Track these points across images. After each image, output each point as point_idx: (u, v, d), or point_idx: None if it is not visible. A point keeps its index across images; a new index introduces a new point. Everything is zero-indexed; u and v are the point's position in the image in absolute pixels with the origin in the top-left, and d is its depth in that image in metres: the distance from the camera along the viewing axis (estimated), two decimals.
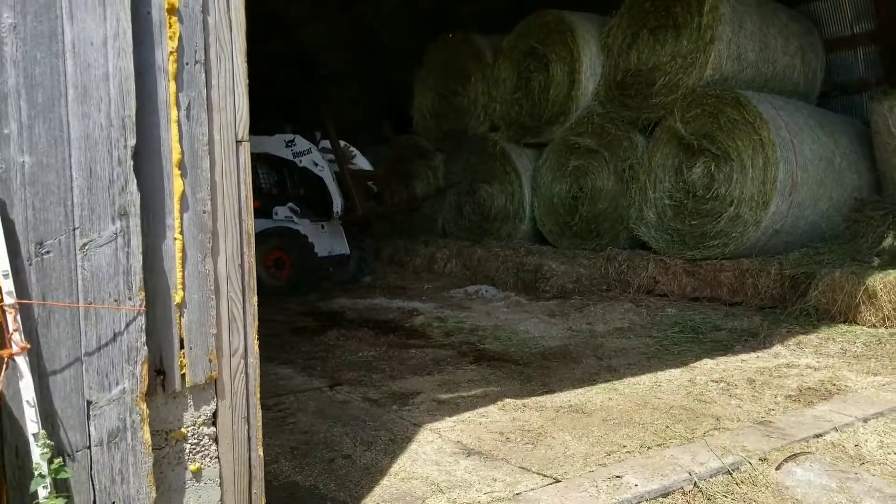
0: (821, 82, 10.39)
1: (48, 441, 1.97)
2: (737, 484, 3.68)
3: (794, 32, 10.00)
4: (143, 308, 2.24)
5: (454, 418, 4.72)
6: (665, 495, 3.52)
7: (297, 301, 9.32)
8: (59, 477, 1.97)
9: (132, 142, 2.21)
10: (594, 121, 10.41)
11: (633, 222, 9.79)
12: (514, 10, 11.87)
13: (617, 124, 10.14)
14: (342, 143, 10.40)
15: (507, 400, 5.02)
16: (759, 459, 3.88)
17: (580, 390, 5.29)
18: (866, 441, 4.21)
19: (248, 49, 2.45)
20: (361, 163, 10.78)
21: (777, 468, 3.82)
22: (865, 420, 4.45)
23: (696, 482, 3.62)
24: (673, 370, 5.82)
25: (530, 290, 9.78)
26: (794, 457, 3.93)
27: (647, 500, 3.46)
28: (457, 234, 12.57)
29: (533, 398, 5.10)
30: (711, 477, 3.68)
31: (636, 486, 3.55)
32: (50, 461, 1.96)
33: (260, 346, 2.58)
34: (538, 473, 3.81)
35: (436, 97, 13.09)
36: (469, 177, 12.35)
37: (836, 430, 4.29)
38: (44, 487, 1.96)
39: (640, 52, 10.04)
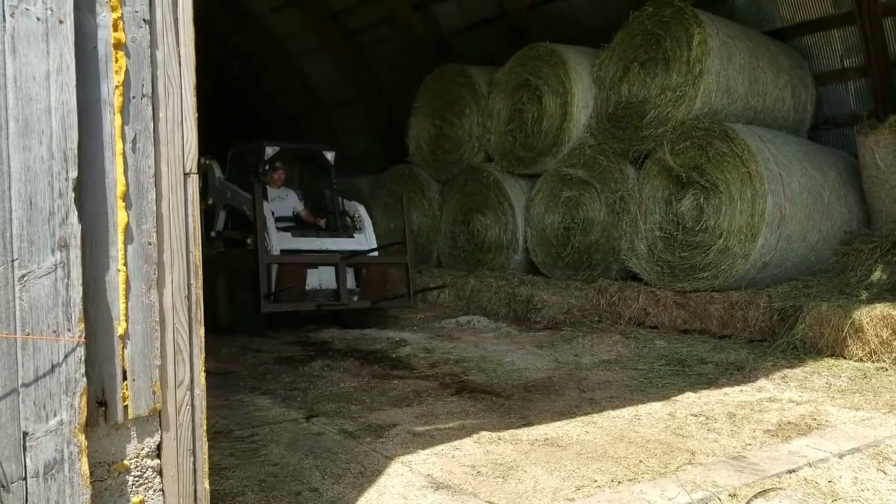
0: (811, 115, 10.44)
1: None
2: None
3: (783, 66, 10.07)
4: (82, 339, 2.25)
5: (427, 451, 4.68)
6: None
7: (288, 330, 9.31)
8: None
9: (74, 174, 2.24)
10: (586, 152, 10.48)
11: (625, 254, 9.80)
12: (508, 44, 12.01)
13: (608, 156, 10.20)
14: (203, 158, 10.20)
15: (483, 433, 4.99)
16: (729, 495, 3.84)
17: (558, 423, 5.25)
18: (840, 477, 4.16)
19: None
20: (217, 172, 10.51)
21: None
22: (841, 456, 4.40)
23: None
24: (654, 403, 5.78)
25: (521, 321, 9.76)
26: (764, 492, 3.88)
27: None
28: (451, 264, 12.60)
29: (510, 431, 5.06)
30: None
31: None
32: None
33: (207, 378, 2.58)
34: None
35: (432, 128, 13.20)
36: (464, 208, 12.45)
37: (811, 466, 4.24)
38: None
39: (630, 85, 10.13)
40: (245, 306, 8.86)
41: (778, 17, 10.57)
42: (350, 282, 9.31)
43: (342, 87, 17.18)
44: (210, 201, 10.31)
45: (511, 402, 5.90)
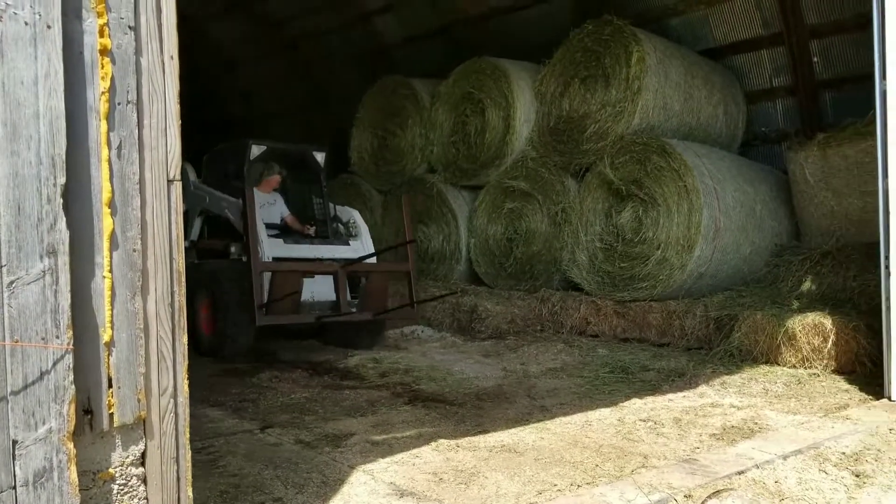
0: (742, 132, 10.88)
1: None
2: None
3: (716, 84, 10.48)
4: (70, 347, 2.21)
5: (388, 459, 4.71)
6: None
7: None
8: None
9: (62, 180, 2.21)
10: (528, 165, 10.67)
11: (566, 264, 10.01)
12: (450, 56, 12.14)
13: (550, 169, 10.41)
14: None
15: (441, 440, 5.04)
16: (684, 496, 3.98)
17: (513, 430, 5.34)
18: (786, 477, 4.36)
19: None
20: (192, 175, 9.78)
21: None
22: (785, 457, 4.61)
23: None
24: (603, 409, 5.93)
25: (466, 331, 9.86)
26: (717, 493, 4.04)
27: None
28: None
29: (466, 438, 5.13)
30: None
31: None
32: None
33: (190, 386, 2.56)
34: None
35: (374, 139, 13.22)
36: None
37: (758, 468, 4.43)
38: None
39: (571, 100, 10.37)
40: (232, 323, 8.03)
41: (710, 37, 10.99)
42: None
43: (285, 96, 17.04)
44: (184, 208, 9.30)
45: (464, 411, 5.97)
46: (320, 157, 9.79)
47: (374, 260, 8.86)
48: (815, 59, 10.26)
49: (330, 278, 8.19)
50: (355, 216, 9.48)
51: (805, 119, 10.49)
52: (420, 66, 13.29)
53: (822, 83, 10.36)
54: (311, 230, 9.20)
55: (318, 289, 8.28)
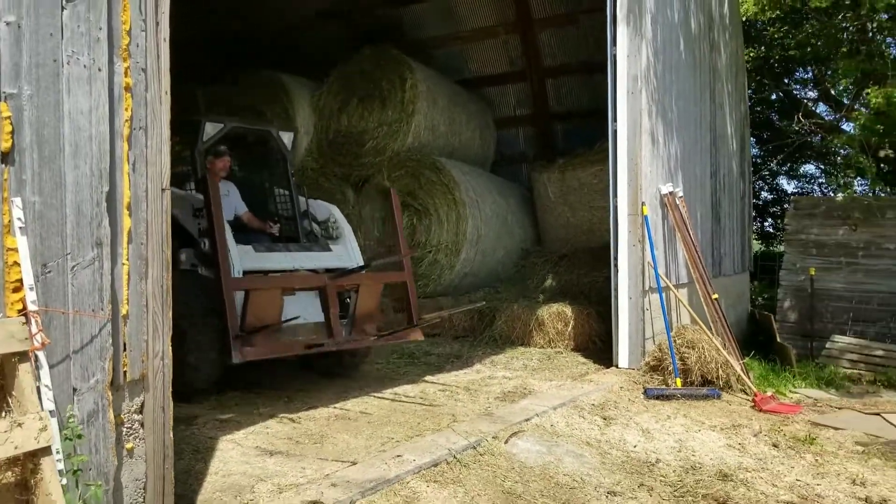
0: (493, 153, 12.70)
1: (72, 412, 2.54)
2: (481, 454, 4.97)
3: (473, 111, 12.17)
4: (110, 317, 2.85)
5: (243, 431, 5.42)
6: (435, 465, 4.68)
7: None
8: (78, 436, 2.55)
9: (106, 188, 2.84)
10: (309, 174, 11.53)
11: None
12: (232, 65, 12.59)
13: (330, 178, 11.39)
14: None
15: (282, 415, 5.84)
16: (493, 437, 5.24)
17: (339, 404, 6.28)
18: (557, 422, 5.81)
19: None
20: None
21: (505, 442, 5.21)
22: (555, 409, 6.08)
23: (454, 455, 4.84)
24: (405, 385, 7.06)
25: None
26: (515, 434, 5.37)
27: (424, 469, 4.59)
28: None
29: (303, 412, 5.96)
30: (463, 451, 4.93)
31: (414, 460, 4.67)
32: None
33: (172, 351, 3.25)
34: (336, 461, 4.74)
35: None
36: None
37: (538, 416, 5.84)
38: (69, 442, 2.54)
39: (350, 116, 11.45)
40: (194, 358, 6.07)
41: (467, 69, 12.70)
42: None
43: None
44: None
45: (289, 393, 6.76)
46: (287, 138, 7.84)
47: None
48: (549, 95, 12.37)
49: (311, 293, 6.60)
50: (335, 213, 7.68)
51: (542, 145, 12.57)
52: (201, 73, 13.50)
53: (555, 115, 12.50)
54: (275, 229, 7.37)
55: (294, 307, 6.38)
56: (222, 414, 5.97)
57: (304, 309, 6.33)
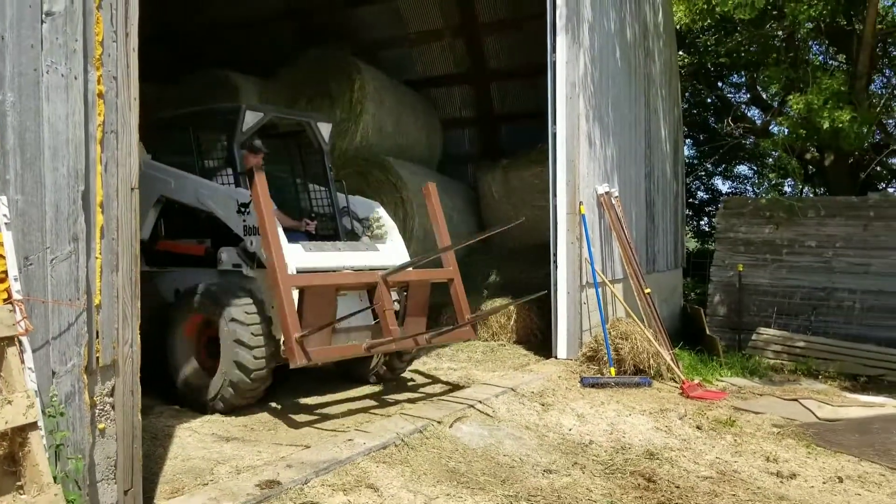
0: (440, 153, 13.03)
1: (55, 392, 2.78)
2: (427, 438, 5.31)
3: (420, 111, 12.49)
4: (85, 306, 3.09)
5: (199, 420, 5.66)
6: (384, 447, 5.00)
7: None
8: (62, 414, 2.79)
9: (82, 188, 3.07)
10: None
11: None
12: (179, 64, 12.65)
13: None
14: None
15: None
16: (437, 422, 5.58)
17: (292, 396, 6.53)
18: (499, 408, 6.18)
19: None
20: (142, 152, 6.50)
21: (450, 427, 5.56)
22: (497, 396, 6.45)
23: (402, 438, 5.16)
24: (354, 384, 7.35)
25: None
26: (459, 419, 5.72)
27: (374, 451, 4.90)
28: None
29: (256, 404, 6.21)
30: (410, 435, 5.26)
31: (364, 443, 4.98)
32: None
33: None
34: (290, 445, 5.03)
35: None
36: None
37: (481, 402, 6.20)
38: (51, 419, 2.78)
39: None
40: (241, 362, 5.73)
41: (414, 71, 13.01)
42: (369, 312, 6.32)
43: None
44: None
45: None
46: (325, 129, 7.26)
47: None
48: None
49: (355, 295, 6.36)
50: (379, 211, 7.36)
51: (486, 145, 12.96)
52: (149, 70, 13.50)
53: (499, 116, 12.90)
54: (311, 226, 6.92)
55: (343, 308, 6.07)
56: (177, 405, 6.17)
57: (349, 310, 5.94)
